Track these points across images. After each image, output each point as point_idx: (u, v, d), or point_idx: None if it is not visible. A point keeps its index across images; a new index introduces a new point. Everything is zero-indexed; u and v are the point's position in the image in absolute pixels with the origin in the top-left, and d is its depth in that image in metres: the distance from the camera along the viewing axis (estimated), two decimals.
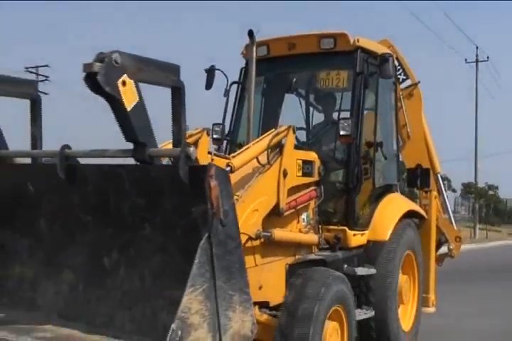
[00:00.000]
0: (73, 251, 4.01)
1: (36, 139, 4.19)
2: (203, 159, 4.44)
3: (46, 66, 41.27)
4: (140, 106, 3.21)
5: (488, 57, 43.22)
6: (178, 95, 3.46)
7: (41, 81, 40.13)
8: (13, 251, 4.33)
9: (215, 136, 6.19)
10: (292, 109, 6.97)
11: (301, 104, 6.87)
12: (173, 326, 2.96)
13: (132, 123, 3.20)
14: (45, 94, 38.78)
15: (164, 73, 3.42)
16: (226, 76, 6.27)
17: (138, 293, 3.69)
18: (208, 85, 6.33)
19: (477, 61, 42.76)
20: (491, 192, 56.05)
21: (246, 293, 3.37)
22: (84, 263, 3.96)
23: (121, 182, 3.53)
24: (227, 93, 6.37)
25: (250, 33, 5.50)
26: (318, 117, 6.85)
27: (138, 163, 3.47)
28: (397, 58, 7.12)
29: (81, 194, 3.78)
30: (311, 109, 6.90)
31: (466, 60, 43.02)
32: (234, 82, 6.47)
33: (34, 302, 4.16)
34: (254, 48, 5.52)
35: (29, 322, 3.92)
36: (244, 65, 6.52)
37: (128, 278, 3.73)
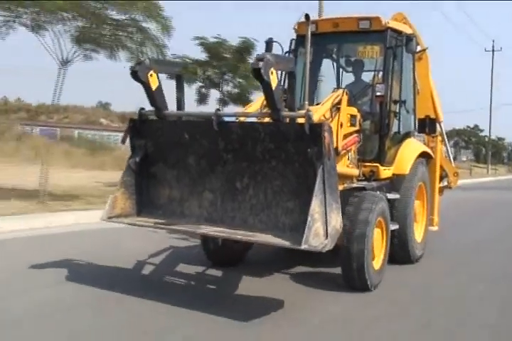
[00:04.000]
0: (212, 179, 5.72)
1: (180, 102, 5.99)
2: None
3: None
4: (279, 86, 5.02)
5: (501, 48, 63.59)
6: (293, 77, 5.30)
7: None
8: (163, 178, 6.04)
9: None
10: (325, 72, 8.69)
11: (334, 69, 8.61)
12: (310, 208, 4.80)
13: (274, 97, 5.02)
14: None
15: (287, 63, 5.24)
16: (282, 46, 7.79)
17: (263, 204, 5.44)
18: None
19: (493, 50, 63.79)
20: (499, 142, 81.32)
21: (338, 203, 5.13)
22: (220, 186, 5.68)
23: (258, 133, 5.33)
24: None
25: (307, 16, 7.20)
26: (346, 79, 8.61)
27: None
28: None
29: (226, 140, 5.51)
30: (341, 73, 8.64)
31: (485, 49, 63.88)
32: (287, 52, 8.12)
33: (183, 213, 5.87)
34: (310, 28, 7.15)
35: (187, 224, 5.78)
36: (294, 37, 8.21)
37: (255, 195, 5.50)
